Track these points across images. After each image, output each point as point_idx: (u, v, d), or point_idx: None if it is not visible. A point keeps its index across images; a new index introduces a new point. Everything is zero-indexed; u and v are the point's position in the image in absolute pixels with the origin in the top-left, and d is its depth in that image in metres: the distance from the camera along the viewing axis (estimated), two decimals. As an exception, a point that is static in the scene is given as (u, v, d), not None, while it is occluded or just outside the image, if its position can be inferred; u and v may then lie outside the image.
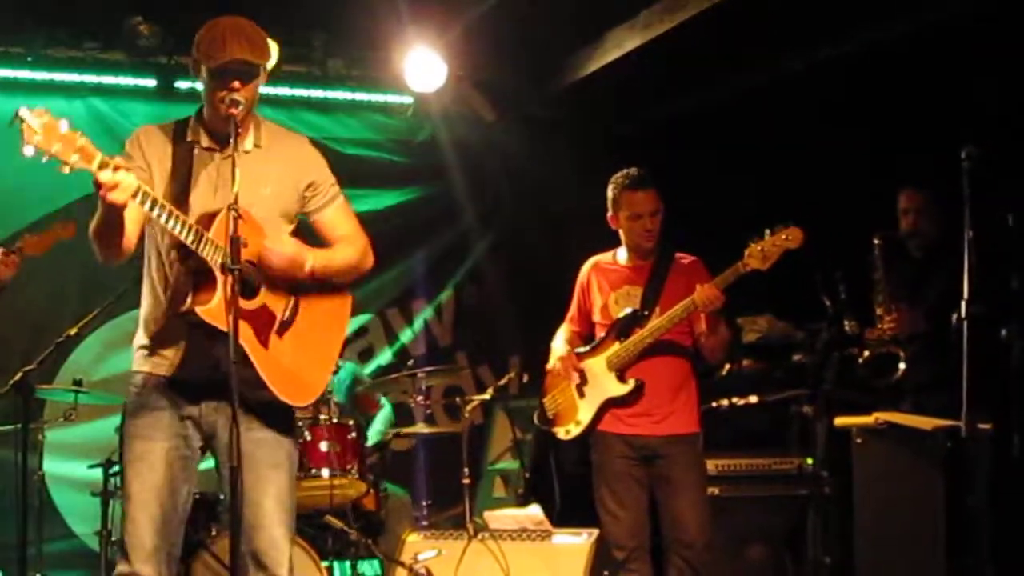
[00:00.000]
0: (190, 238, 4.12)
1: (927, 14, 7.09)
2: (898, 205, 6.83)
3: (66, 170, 3.85)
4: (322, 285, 4.54)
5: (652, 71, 8.40)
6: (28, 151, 3.77)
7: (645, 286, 6.10)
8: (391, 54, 8.74)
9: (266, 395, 4.34)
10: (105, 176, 3.89)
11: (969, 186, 5.14)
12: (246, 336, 4.21)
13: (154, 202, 4.05)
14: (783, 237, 5.67)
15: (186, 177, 4.35)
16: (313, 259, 4.43)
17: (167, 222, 4.09)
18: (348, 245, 4.62)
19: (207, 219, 4.21)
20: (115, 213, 4.07)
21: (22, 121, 3.75)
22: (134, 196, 3.98)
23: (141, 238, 4.38)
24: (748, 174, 8.26)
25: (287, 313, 4.44)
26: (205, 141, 4.41)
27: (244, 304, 4.18)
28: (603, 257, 6.29)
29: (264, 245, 4.30)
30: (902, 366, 6.39)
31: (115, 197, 3.93)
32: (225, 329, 4.05)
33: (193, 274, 4.22)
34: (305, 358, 4.50)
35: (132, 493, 4.33)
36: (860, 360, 6.50)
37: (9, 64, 8.32)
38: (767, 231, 5.68)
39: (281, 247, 4.35)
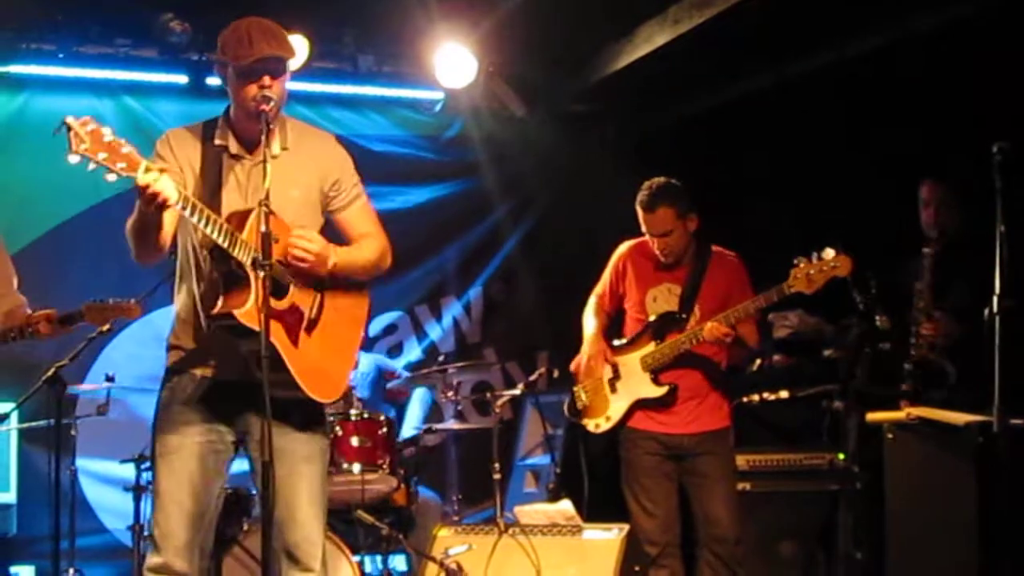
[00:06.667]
0: (224, 240, 4.15)
1: (956, 8, 7.07)
2: (919, 197, 6.78)
3: (111, 177, 3.88)
4: (343, 282, 4.57)
5: (682, 66, 8.39)
6: (74, 159, 3.80)
7: (683, 286, 6.08)
8: (421, 50, 8.73)
9: (298, 394, 4.37)
10: (149, 182, 3.93)
11: (1000, 180, 5.12)
12: (278, 335, 4.26)
13: (193, 207, 4.09)
14: (831, 264, 5.58)
15: (216, 181, 4.39)
16: (336, 256, 4.45)
17: (205, 226, 4.12)
18: (368, 244, 4.65)
19: (239, 218, 4.24)
20: (155, 217, 4.11)
21: (69, 128, 3.78)
22: (176, 202, 4.03)
23: (174, 237, 4.40)
24: (777, 170, 8.24)
25: (314, 311, 4.47)
26: (234, 147, 4.45)
27: (275, 304, 4.23)
28: (643, 243, 6.18)
29: (292, 236, 4.31)
30: (951, 370, 6.34)
31: (159, 203, 3.98)
32: (259, 329, 4.08)
33: (225, 276, 4.24)
34: (331, 354, 4.53)
35: (165, 486, 4.37)
36: (906, 370, 6.42)
37: (41, 61, 8.34)
38: (814, 254, 5.60)
39: (309, 240, 4.36)
